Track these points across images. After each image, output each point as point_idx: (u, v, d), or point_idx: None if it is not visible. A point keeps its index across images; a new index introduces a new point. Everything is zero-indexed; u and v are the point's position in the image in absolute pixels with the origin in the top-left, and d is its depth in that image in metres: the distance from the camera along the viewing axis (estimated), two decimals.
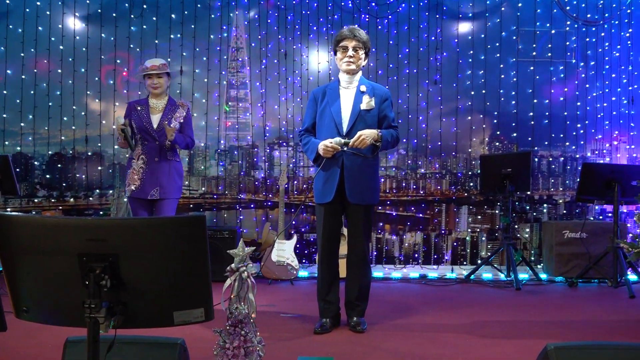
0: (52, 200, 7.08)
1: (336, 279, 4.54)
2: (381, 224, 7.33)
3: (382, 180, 7.35)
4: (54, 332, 3.83)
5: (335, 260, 4.54)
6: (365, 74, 6.93)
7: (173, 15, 7.14)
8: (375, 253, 7.27)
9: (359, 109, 4.36)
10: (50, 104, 6.99)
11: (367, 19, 7.26)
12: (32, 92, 6.97)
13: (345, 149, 4.28)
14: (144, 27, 7.13)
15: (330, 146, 4.25)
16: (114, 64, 7.08)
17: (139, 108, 5.16)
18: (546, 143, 7.38)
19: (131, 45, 7.10)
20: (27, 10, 6.97)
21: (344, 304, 4.56)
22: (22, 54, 6.96)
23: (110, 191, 7.13)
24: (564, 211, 7.40)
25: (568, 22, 7.35)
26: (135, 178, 5.08)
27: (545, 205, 7.39)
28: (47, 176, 7.10)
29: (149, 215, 5.17)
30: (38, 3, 6.99)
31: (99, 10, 7.09)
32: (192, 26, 7.16)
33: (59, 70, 7.01)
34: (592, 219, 7.27)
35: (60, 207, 7.09)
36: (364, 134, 4.22)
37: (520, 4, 7.35)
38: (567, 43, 7.37)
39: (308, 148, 4.49)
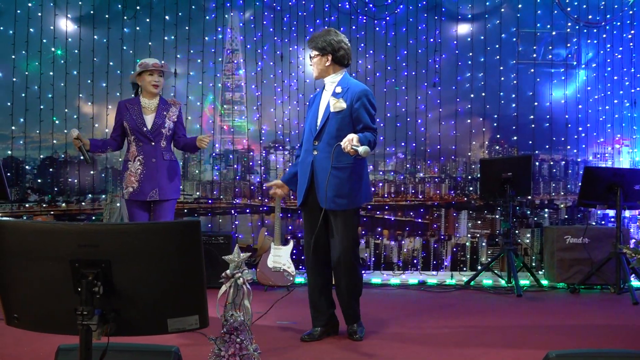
0: (44, 205, 6.97)
1: (326, 286, 4.44)
2: (379, 229, 7.24)
3: (381, 184, 7.26)
4: (46, 340, 3.79)
5: (323, 266, 4.41)
6: (362, 77, 6.91)
7: (167, 17, 7.06)
8: (373, 259, 7.18)
9: (329, 111, 4.27)
10: (41, 107, 6.88)
11: (364, 21, 7.18)
12: (23, 94, 6.86)
13: (314, 152, 4.28)
14: (137, 28, 7.04)
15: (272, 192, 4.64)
16: (107, 66, 6.96)
17: (130, 107, 5.03)
18: (547, 146, 7.31)
19: (124, 47, 6.99)
20: (19, 11, 6.86)
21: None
22: (12, 56, 6.85)
23: (103, 196, 7.02)
24: (566, 216, 7.33)
25: (569, 24, 7.30)
26: (133, 180, 4.97)
27: (546, 210, 7.32)
28: (39, 180, 6.99)
29: (147, 217, 5.10)
30: (29, 4, 6.88)
31: (92, 12, 6.99)
32: (187, 28, 7.07)
33: (51, 73, 6.90)
34: (594, 224, 7.20)
35: (52, 212, 6.98)
36: (347, 139, 4.02)
37: (520, 5, 7.29)
38: (568, 45, 7.32)
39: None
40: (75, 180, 7.00)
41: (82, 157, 5.04)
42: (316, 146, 4.27)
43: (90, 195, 7.02)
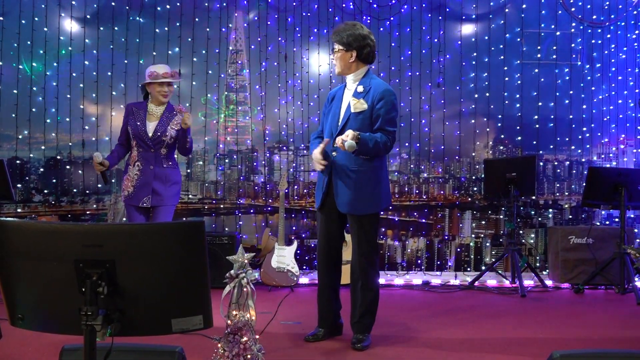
0: (48, 206, 6.97)
1: (334, 288, 4.37)
2: (383, 230, 7.23)
3: None
4: (50, 340, 3.80)
5: (332, 269, 4.35)
6: None
7: (171, 17, 7.06)
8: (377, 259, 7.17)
9: (349, 112, 4.15)
10: (46, 107, 6.89)
11: (368, 21, 7.17)
12: (27, 95, 6.87)
13: (333, 154, 4.15)
14: (142, 29, 7.04)
15: (317, 159, 4.13)
16: (111, 67, 6.98)
17: (137, 112, 5.03)
18: (551, 147, 7.30)
19: (128, 49, 7.00)
20: (23, 12, 6.87)
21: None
22: (17, 57, 6.86)
23: (107, 196, 7.03)
24: (570, 216, 7.31)
25: (573, 24, 7.29)
26: (129, 184, 4.98)
27: (550, 210, 7.31)
28: (43, 181, 7.00)
29: (144, 220, 5.07)
30: (34, 6, 6.88)
31: (97, 13, 7.00)
32: (191, 28, 7.07)
33: (56, 73, 6.91)
34: (598, 224, 7.18)
35: (57, 213, 6.98)
36: (344, 134, 3.92)
37: (524, 6, 7.28)
38: (573, 45, 7.30)
39: (311, 146, 4.42)
40: (80, 181, 7.01)
41: (101, 179, 5.12)
42: (335, 147, 4.12)
43: (94, 195, 7.03)
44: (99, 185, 5.00)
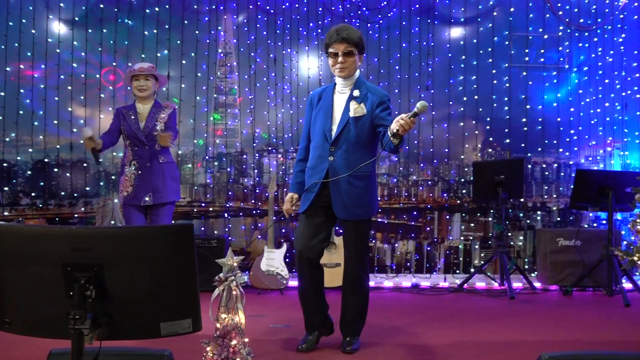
0: (36, 209, 6.92)
1: (318, 292, 4.25)
2: (373, 232, 7.22)
3: None
4: (38, 344, 3.76)
5: (317, 272, 4.22)
6: None
7: (160, 20, 7.04)
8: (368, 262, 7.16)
9: (348, 116, 4.05)
10: (34, 109, 6.84)
11: (357, 24, 7.17)
12: (15, 97, 6.82)
13: (330, 159, 4.07)
14: (131, 31, 7.01)
15: (286, 210, 4.28)
16: (100, 69, 6.95)
17: (127, 114, 5.08)
18: (539, 149, 7.33)
19: (116, 51, 6.97)
20: (10, 14, 6.82)
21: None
22: (4, 59, 6.80)
23: (96, 199, 6.99)
24: (558, 218, 7.34)
25: (561, 27, 7.32)
26: (128, 184, 5.03)
27: (539, 212, 7.33)
28: (31, 184, 6.94)
29: (143, 219, 5.11)
30: (22, 8, 6.83)
31: (85, 15, 6.96)
32: (180, 31, 7.05)
33: (44, 76, 6.86)
34: (586, 226, 7.22)
35: (44, 216, 6.93)
36: (395, 121, 3.60)
37: (512, 9, 7.30)
38: (560, 48, 7.34)
39: (291, 182, 4.41)
40: (68, 184, 6.96)
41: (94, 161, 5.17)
42: (332, 152, 4.04)
43: (82, 198, 6.99)
44: (97, 161, 4.89)
